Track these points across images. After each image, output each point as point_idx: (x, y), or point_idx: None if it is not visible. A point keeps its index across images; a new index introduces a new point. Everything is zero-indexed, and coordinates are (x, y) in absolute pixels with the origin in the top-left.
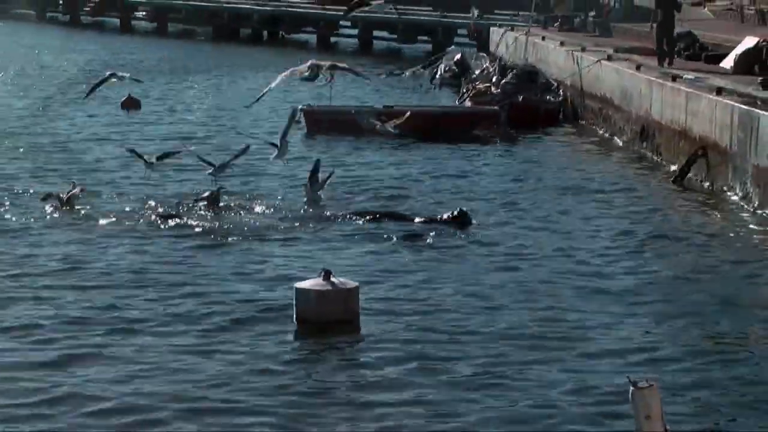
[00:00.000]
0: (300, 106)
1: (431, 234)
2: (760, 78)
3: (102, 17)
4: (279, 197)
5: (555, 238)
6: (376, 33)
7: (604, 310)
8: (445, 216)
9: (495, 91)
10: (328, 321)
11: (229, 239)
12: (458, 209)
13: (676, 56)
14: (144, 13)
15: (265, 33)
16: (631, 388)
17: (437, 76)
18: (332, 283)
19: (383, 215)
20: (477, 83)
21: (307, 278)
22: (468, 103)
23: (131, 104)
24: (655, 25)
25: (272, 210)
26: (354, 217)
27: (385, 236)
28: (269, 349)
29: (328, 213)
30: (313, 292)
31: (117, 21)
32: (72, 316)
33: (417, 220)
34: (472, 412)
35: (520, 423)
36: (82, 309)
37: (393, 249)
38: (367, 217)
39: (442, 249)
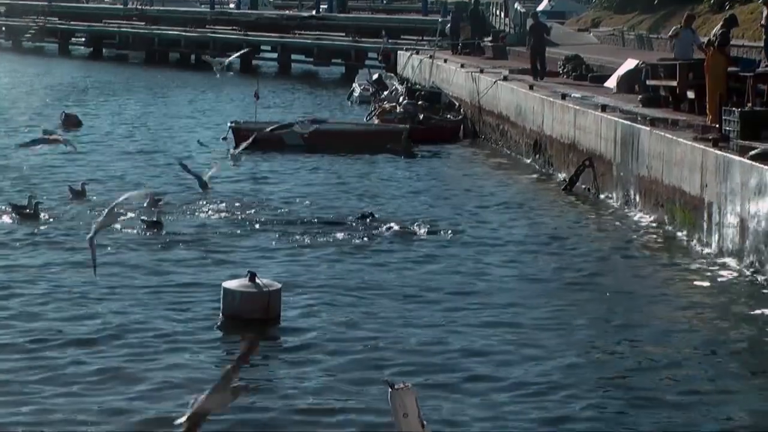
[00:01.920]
0: (228, 123)
1: (358, 239)
2: (640, 96)
3: (42, 43)
4: (219, 203)
5: (457, 243)
6: (294, 56)
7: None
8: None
9: (399, 110)
10: (251, 319)
11: (169, 241)
12: (363, 212)
13: (564, 75)
14: (81, 38)
15: (193, 57)
16: (389, 389)
17: (354, 95)
18: (257, 284)
19: (316, 222)
20: (384, 102)
21: (235, 279)
22: (375, 121)
23: (71, 123)
24: (529, 47)
25: (213, 216)
26: (286, 225)
27: (313, 241)
28: (193, 340)
29: (264, 220)
30: (237, 292)
31: (56, 46)
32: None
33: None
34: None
35: (446, 423)
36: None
37: (321, 253)
38: (298, 224)
39: (366, 253)
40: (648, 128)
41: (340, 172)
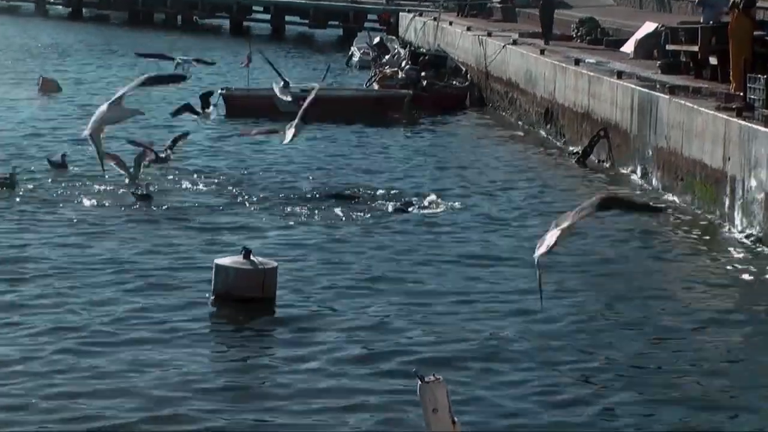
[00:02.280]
0: (219, 90)
1: (360, 215)
2: (659, 62)
3: (17, 2)
4: (215, 177)
5: (465, 217)
6: (288, 18)
7: (513, 286)
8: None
9: (401, 76)
10: (244, 298)
11: (160, 214)
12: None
13: (578, 39)
14: None
15: (180, 18)
16: (419, 382)
17: (353, 59)
18: (252, 262)
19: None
20: (385, 67)
21: (228, 256)
22: (375, 87)
23: (48, 87)
24: (540, 8)
25: (208, 189)
26: (280, 199)
27: (313, 217)
28: (184, 321)
29: (261, 195)
30: (231, 269)
31: (32, 5)
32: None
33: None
34: (385, 393)
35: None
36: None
37: (321, 230)
38: (300, 198)
39: (366, 232)
40: (667, 96)
41: (338, 142)
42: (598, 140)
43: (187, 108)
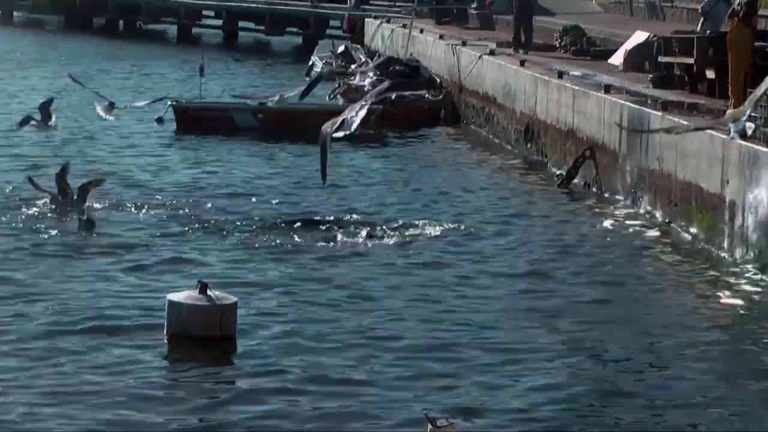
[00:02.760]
0: (168, 101)
1: (326, 243)
2: (651, 75)
3: None
4: (166, 200)
5: (439, 245)
6: (241, 24)
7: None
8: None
9: (368, 88)
10: (201, 337)
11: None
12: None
13: (562, 49)
14: None
15: (122, 23)
16: (429, 426)
17: (314, 70)
18: (208, 297)
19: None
20: (350, 78)
21: (182, 290)
22: (340, 101)
23: None
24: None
25: (158, 214)
26: (245, 226)
27: (276, 246)
28: (135, 365)
29: (218, 221)
30: (185, 306)
31: None
32: None
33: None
34: None
35: None
36: None
37: (284, 260)
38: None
39: (334, 260)
40: (660, 113)
41: (301, 161)
42: (584, 161)
43: (30, 119)
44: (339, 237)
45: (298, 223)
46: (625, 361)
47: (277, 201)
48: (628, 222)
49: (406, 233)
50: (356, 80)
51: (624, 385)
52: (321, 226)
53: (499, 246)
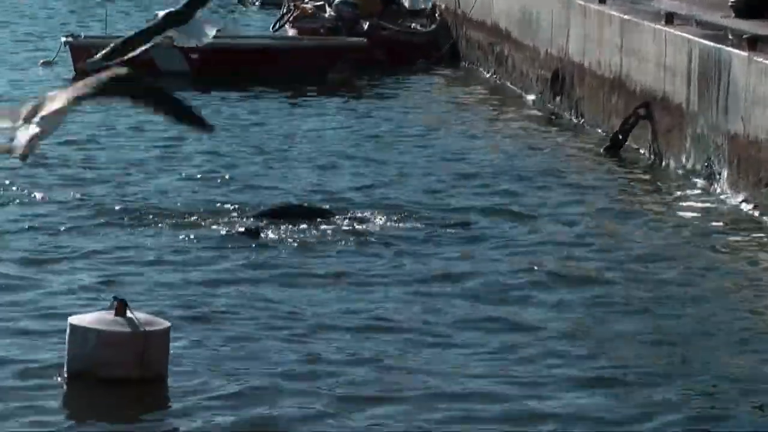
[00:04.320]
0: (62, 38)
1: (293, 239)
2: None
3: None
4: (51, 181)
5: (430, 244)
6: None
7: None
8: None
9: (328, 14)
10: (115, 379)
11: None
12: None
13: None
14: None
15: None
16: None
17: None
18: (128, 320)
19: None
20: (303, 2)
21: (90, 310)
22: (290, 32)
23: None
24: None
25: (65, 201)
26: (182, 217)
27: (226, 246)
28: (14, 421)
29: (146, 211)
30: (94, 333)
31: None
32: None
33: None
34: None
35: None
36: None
37: (237, 265)
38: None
39: (293, 265)
40: (745, 53)
41: (249, 118)
42: (636, 122)
43: None
44: (310, 229)
45: (257, 214)
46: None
47: (221, 179)
48: (699, 206)
49: (389, 221)
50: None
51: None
52: (286, 217)
53: (523, 239)
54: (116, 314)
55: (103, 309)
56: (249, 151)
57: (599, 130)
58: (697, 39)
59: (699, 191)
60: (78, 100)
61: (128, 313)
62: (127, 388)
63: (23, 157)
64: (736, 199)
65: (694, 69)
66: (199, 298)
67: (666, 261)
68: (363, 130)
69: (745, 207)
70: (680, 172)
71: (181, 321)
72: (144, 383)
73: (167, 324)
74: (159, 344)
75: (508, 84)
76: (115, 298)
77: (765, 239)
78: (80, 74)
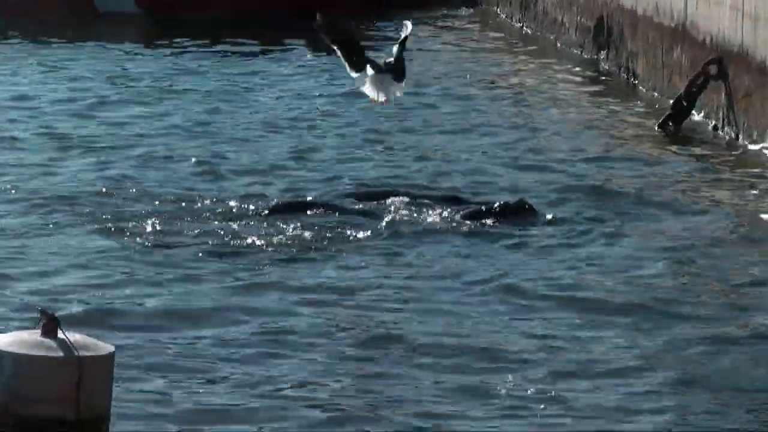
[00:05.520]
0: None
1: (251, 241)
2: None
3: None
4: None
5: (444, 243)
6: None
7: None
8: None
9: None
10: (41, 419)
11: None
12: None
13: None
14: None
15: None
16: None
17: None
18: (60, 342)
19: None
20: None
21: (11, 329)
22: None
23: None
24: None
25: None
26: (122, 211)
27: (164, 249)
28: None
29: (88, 208)
30: (12, 358)
31: None
32: None
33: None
34: None
35: None
36: None
37: (198, 277)
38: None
39: (270, 269)
40: None
41: (212, 81)
42: (706, 84)
43: None
44: (277, 233)
45: (226, 204)
46: None
47: (189, 164)
48: None
49: (395, 219)
50: None
51: None
52: (264, 214)
53: (559, 237)
54: (43, 334)
55: (28, 327)
56: (224, 127)
57: (657, 94)
58: None
59: None
60: None
61: (60, 332)
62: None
63: None
64: None
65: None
66: (152, 307)
67: (739, 267)
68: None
69: None
70: (766, 151)
71: (129, 342)
72: (80, 427)
73: (110, 348)
74: (100, 374)
75: (540, 34)
76: (42, 311)
77: None
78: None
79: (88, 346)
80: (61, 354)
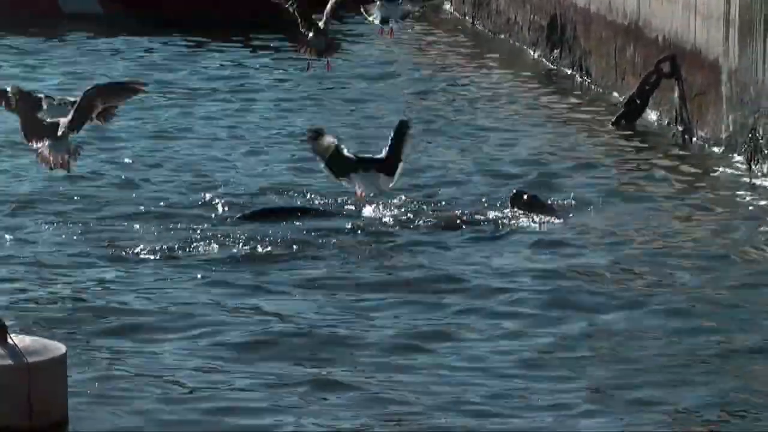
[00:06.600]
0: None
1: (223, 245)
2: None
3: None
4: None
5: (413, 233)
6: None
7: None
8: None
9: None
10: None
11: None
12: None
13: None
14: None
15: None
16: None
17: None
18: (9, 349)
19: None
20: None
21: None
22: None
23: None
24: None
25: None
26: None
27: (126, 249)
28: None
29: (48, 206)
30: None
31: None
32: None
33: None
34: None
35: None
36: None
37: (167, 276)
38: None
39: (243, 272)
40: None
41: (178, 84)
42: (659, 82)
43: None
44: (247, 235)
45: (202, 207)
46: None
47: (166, 173)
48: (740, 193)
49: (357, 225)
50: None
51: None
52: (241, 215)
53: (517, 242)
54: None
55: None
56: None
57: (610, 92)
58: None
59: (739, 173)
60: None
61: (8, 337)
62: None
63: None
64: None
65: (734, 12)
66: (113, 312)
67: (698, 260)
68: (326, 89)
69: None
70: (715, 148)
71: (84, 344)
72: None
73: (62, 349)
74: (51, 378)
75: (494, 34)
76: None
77: None
78: None
79: (38, 350)
80: (10, 361)
